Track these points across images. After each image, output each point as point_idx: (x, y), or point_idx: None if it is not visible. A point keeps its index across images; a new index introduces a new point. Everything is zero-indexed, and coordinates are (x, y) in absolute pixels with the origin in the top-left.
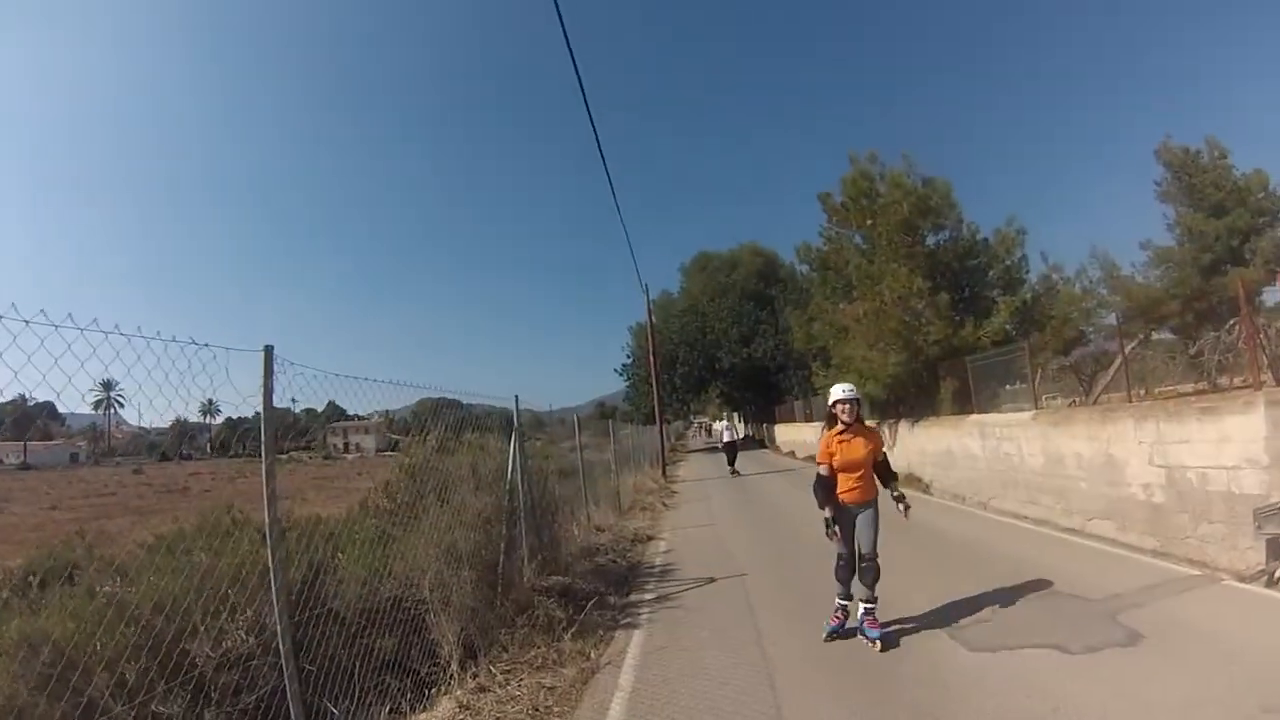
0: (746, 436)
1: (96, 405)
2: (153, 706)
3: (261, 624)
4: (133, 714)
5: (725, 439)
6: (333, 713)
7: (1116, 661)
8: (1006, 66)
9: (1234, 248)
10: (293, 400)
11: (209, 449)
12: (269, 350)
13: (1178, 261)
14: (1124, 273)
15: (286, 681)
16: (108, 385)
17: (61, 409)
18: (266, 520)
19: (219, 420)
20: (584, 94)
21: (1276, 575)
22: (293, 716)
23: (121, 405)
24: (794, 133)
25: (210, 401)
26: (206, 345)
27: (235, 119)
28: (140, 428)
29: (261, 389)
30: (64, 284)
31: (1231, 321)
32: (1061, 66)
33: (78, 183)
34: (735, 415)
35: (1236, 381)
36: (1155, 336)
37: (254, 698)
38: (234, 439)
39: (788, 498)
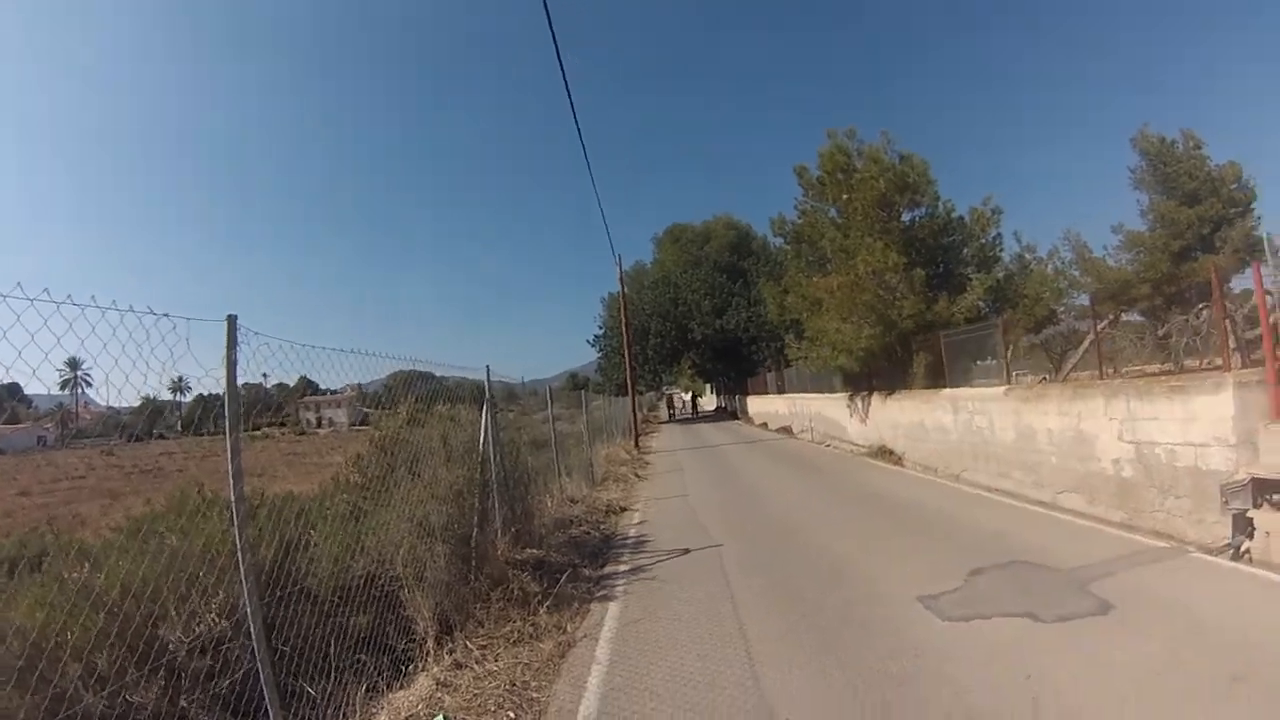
0: (720, 408)
1: (63, 385)
2: (125, 695)
3: (234, 605)
4: (105, 704)
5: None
6: (309, 693)
7: (1088, 630)
8: (991, 48)
9: (1204, 236)
10: (264, 375)
11: (180, 428)
12: (232, 320)
13: (1149, 246)
14: (1096, 255)
15: (259, 665)
16: (74, 364)
17: (28, 390)
18: (232, 498)
19: (190, 398)
20: (559, 57)
21: (1243, 548)
22: (267, 699)
23: (89, 385)
24: (775, 105)
25: (180, 379)
26: (166, 315)
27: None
28: (109, 408)
29: (225, 360)
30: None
31: (1200, 306)
32: (1041, 49)
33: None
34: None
35: (1201, 365)
36: (1124, 318)
37: (228, 682)
38: (205, 416)
39: (761, 469)
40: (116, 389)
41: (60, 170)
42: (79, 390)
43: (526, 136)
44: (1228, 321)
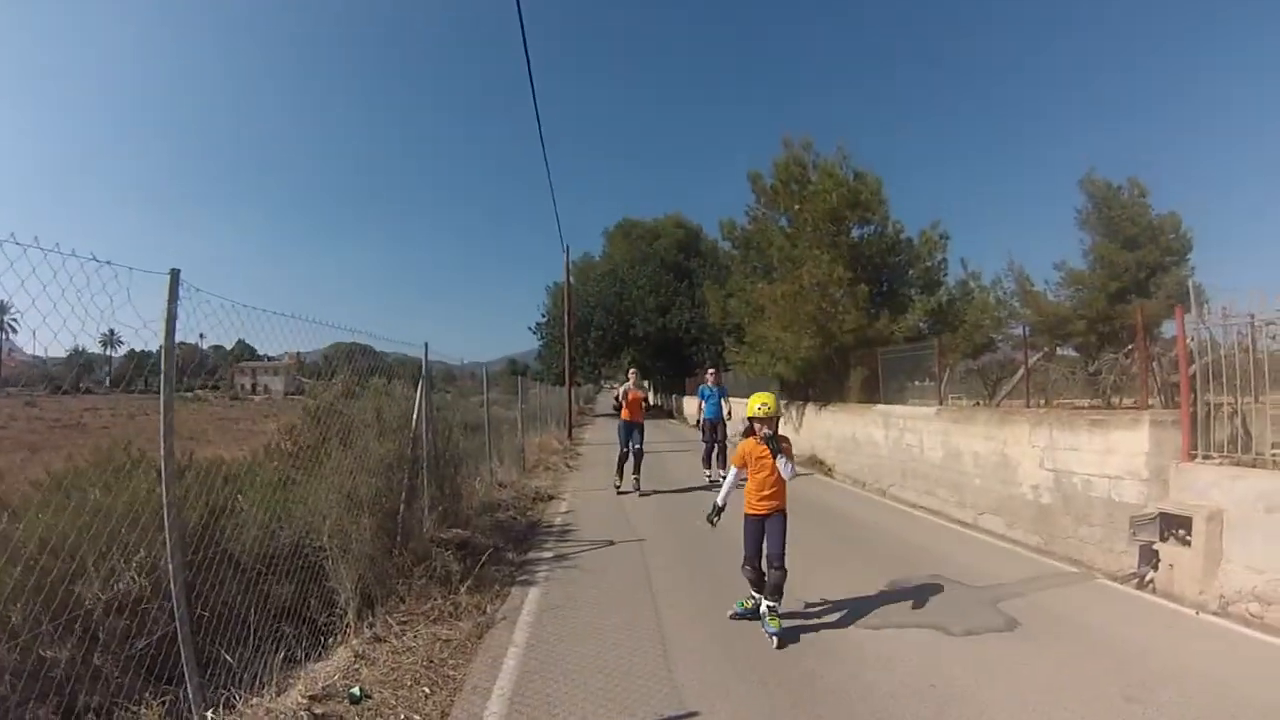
0: (657, 406)
1: None
2: (38, 650)
3: (155, 565)
4: (17, 658)
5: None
6: (227, 660)
7: (993, 645)
8: (945, 81)
9: (1141, 280)
10: (200, 336)
11: (109, 383)
12: (175, 274)
13: (1088, 285)
14: (1037, 288)
15: (178, 625)
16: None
17: None
18: (161, 452)
19: (121, 353)
20: (526, 48)
21: (1147, 578)
22: (183, 658)
23: (15, 331)
24: (730, 111)
25: (111, 333)
26: (109, 263)
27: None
28: (35, 356)
29: (164, 314)
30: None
31: (1129, 346)
32: (1004, 94)
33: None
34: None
35: (1128, 402)
36: (1060, 352)
37: (146, 643)
38: (137, 373)
39: (691, 469)
40: (53, 334)
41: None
42: (3, 335)
43: (479, 121)
44: (1154, 364)
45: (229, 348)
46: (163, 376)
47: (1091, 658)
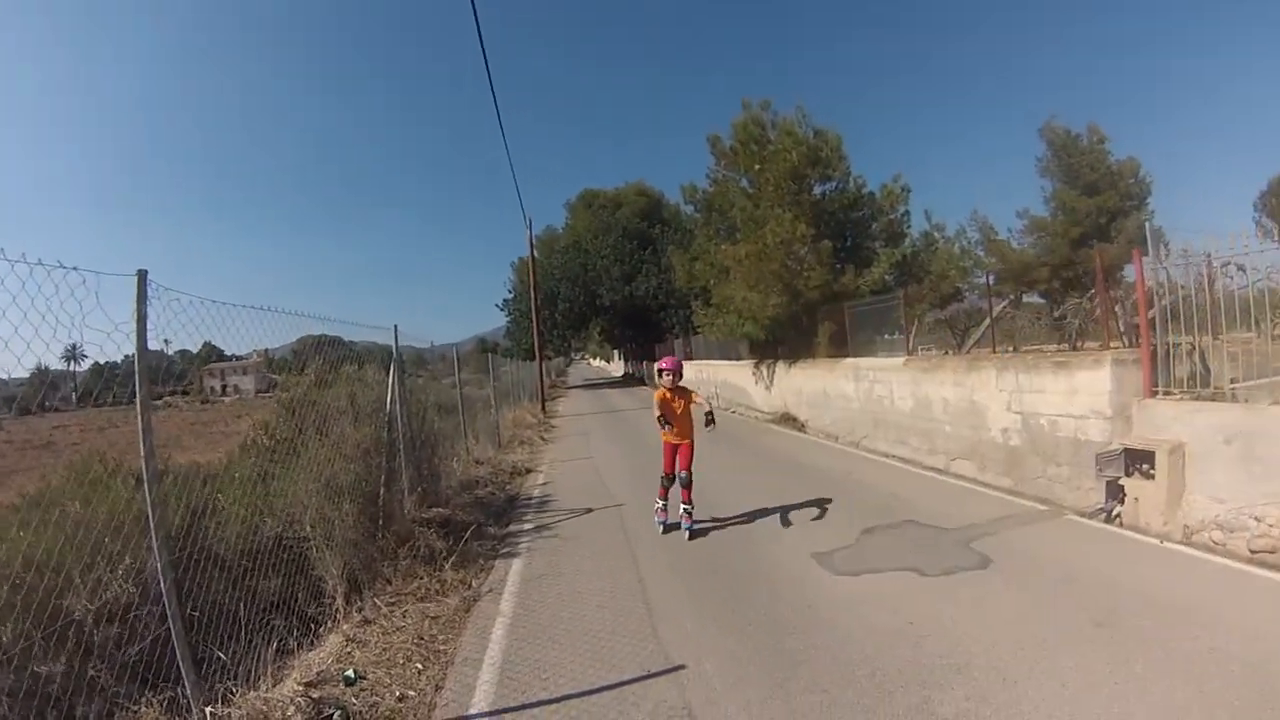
0: (626, 374)
1: None
2: (33, 666)
3: (141, 570)
4: (12, 676)
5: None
6: (220, 658)
7: (968, 582)
8: (908, 41)
9: (1102, 225)
10: (165, 342)
11: (74, 399)
12: (142, 275)
13: (1050, 232)
14: (1000, 237)
15: (170, 622)
16: None
17: None
18: (142, 451)
19: (85, 368)
20: (475, 12)
21: (1114, 513)
22: (178, 655)
23: None
24: (688, 76)
25: (74, 347)
26: (75, 269)
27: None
28: None
29: (134, 314)
30: None
31: (1092, 290)
32: (961, 49)
33: None
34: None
35: (1093, 345)
36: (1025, 299)
37: (138, 648)
38: (101, 385)
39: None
40: (12, 356)
41: None
42: None
43: (430, 92)
44: (1117, 307)
45: (195, 351)
46: (137, 375)
47: (1062, 589)
